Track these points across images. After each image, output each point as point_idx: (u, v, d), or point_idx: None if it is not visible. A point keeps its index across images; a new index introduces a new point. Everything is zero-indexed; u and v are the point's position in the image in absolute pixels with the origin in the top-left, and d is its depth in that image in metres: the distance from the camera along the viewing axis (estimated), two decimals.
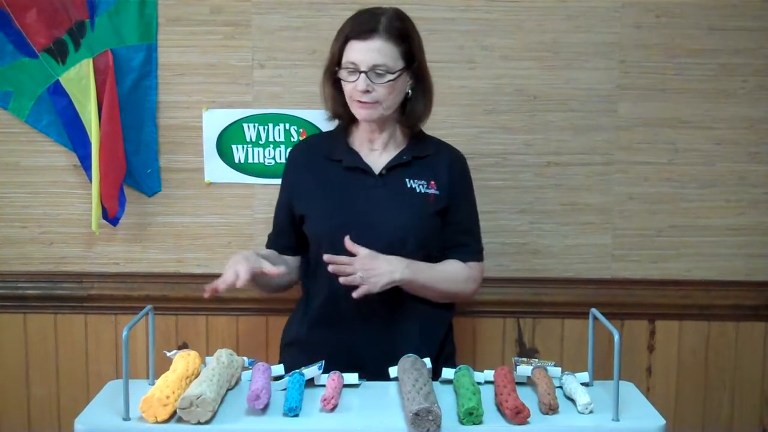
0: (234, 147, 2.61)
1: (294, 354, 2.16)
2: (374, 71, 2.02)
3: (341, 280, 1.99)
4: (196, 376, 1.75)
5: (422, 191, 2.12)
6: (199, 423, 1.60)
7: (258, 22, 2.57)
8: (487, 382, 1.82)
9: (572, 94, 2.61)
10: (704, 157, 2.65)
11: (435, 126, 2.57)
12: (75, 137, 2.58)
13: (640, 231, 2.67)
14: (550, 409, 1.68)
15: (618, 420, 1.65)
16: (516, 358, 1.90)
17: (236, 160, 2.62)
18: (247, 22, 2.57)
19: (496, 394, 1.74)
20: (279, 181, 2.62)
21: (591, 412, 1.69)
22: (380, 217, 2.09)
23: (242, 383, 1.84)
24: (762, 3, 2.59)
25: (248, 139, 2.61)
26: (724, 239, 2.68)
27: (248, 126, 2.61)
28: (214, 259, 2.66)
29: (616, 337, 1.62)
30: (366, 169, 2.13)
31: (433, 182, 2.13)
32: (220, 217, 2.64)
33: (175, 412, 1.62)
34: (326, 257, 2.01)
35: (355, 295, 1.99)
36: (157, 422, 1.61)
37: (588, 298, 2.59)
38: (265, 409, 1.68)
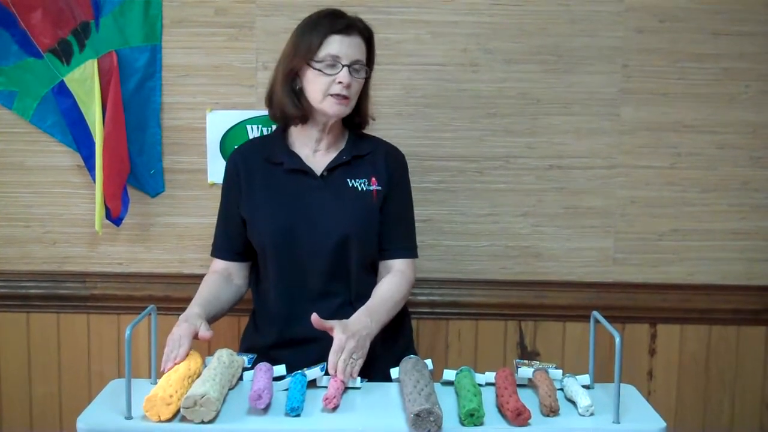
0: None
1: (258, 358, 2.09)
2: (354, 66, 2.04)
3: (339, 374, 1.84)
4: (198, 376, 1.75)
5: (364, 189, 2.12)
6: (202, 422, 1.61)
7: (262, 24, 2.58)
8: (488, 384, 1.82)
9: (575, 98, 2.61)
10: (707, 162, 2.65)
11: (437, 129, 2.59)
12: (79, 137, 2.58)
13: (641, 235, 2.67)
14: (551, 411, 1.68)
15: (619, 423, 1.65)
16: (517, 361, 1.90)
17: None
18: (251, 23, 2.58)
19: (497, 396, 1.74)
20: None
21: (592, 414, 1.69)
22: (324, 218, 2.09)
23: (243, 383, 1.84)
24: (766, 8, 2.59)
25: None
26: (726, 243, 2.68)
27: (252, 127, 2.61)
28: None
29: (617, 339, 1.63)
30: (308, 171, 2.12)
31: (373, 179, 2.14)
32: None
33: (178, 412, 1.63)
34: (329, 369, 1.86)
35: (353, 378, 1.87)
36: (160, 421, 1.61)
37: (589, 301, 2.60)
38: (266, 409, 1.68)
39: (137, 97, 2.59)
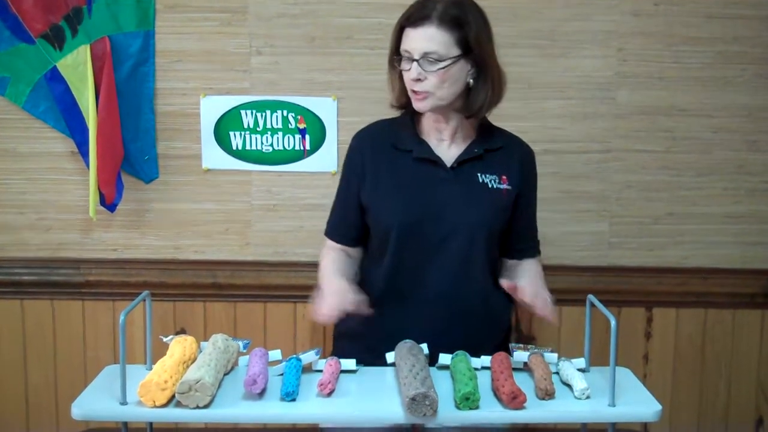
0: (232, 134, 2.61)
1: (347, 344, 2.11)
2: (426, 59, 1.93)
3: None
4: (193, 361, 1.75)
5: (494, 186, 2.05)
6: (197, 407, 1.61)
7: (255, 9, 2.57)
8: (483, 368, 1.82)
9: (570, 82, 2.61)
10: (702, 146, 2.65)
11: None
12: (72, 123, 2.57)
13: (637, 219, 2.68)
14: (547, 394, 1.68)
15: (614, 405, 1.65)
16: (513, 344, 1.90)
17: (234, 147, 2.61)
18: (244, 8, 2.56)
19: (492, 380, 1.74)
20: (276, 168, 2.63)
21: (588, 397, 1.69)
22: (453, 213, 2.01)
23: (238, 368, 1.84)
24: None
25: (246, 126, 2.61)
26: (722, 227, 2.69)
27: (246, 113, 2.60)
28: (211, 246, 2.66)
29: (613, 323, 1.63)
30: (437, 161, 2.03)
31: (504, 177, 2.07)
32: (218, 203, 2.65)
33: (173, 397, 1.63)
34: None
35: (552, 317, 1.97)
36: (155, 406, 1.61)
37: (585, 285, 2.59)
38: (262, 394, 1.68)
39: (130, 83, 2.58)
